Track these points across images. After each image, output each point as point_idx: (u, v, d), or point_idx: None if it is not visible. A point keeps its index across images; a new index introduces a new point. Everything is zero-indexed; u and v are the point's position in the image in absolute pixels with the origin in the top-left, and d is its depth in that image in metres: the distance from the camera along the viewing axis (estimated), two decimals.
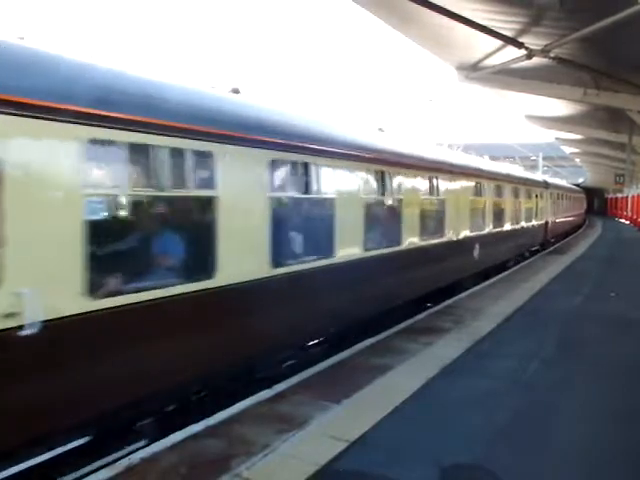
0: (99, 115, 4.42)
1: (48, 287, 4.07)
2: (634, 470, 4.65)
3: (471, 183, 13.55)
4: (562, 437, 5.20)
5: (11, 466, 4.35)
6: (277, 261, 6.44)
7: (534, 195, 21.73)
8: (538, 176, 27.67)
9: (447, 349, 7.95)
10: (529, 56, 12.53)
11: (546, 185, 25.45)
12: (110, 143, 4.62)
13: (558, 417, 5.70)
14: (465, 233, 12.94)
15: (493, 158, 25.47)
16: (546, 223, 24.56)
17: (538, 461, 4.71)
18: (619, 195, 58.78)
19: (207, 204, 5.54)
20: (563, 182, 42.57)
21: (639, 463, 4.78)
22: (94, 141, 4.42)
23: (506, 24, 11.57)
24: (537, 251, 23.24)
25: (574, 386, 6.67)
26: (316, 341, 8.04)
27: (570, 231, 35.67)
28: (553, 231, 27.07)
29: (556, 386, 6.59)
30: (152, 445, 4.79)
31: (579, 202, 46.04)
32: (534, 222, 21.84)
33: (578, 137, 30.34)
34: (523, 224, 19.55)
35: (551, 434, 5.22)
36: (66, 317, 4.17)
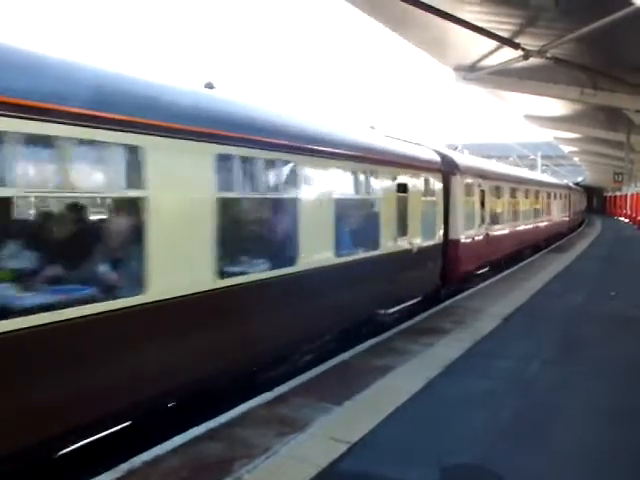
0: None
1: None
2: (634, 470, 4.66)
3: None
4: (563, 437, 5.21)
5: None
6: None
7: (398, 187, 9.87)
8: (423, 150, 12.16)
9: (448, 350, 7.96)
10: (526, 57, 12.56)
11: (453, 168, 12.91)
12: None
13: (559, 417, 5.71)
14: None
15: (492, 157, 22.59)
16: (449, 245, 12.46)
17: (539, 461, 4.71)
18: (618, 194, 58.84)
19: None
20: (536, 174, 32.29)
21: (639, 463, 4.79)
22: None
23: (502, 25, 11.62)
24: (427, 303, 11.27)
25: (574, 386, 6.68)
26: None
27: (543, 246, 24.52)
28: (475, 256, 14.32)
29: (556, 386, 6.60)
30: (154, 448, 4.79)
31: (569, 201, 33.52)
32: (399, 245, 9.88)
33: (576, 136, 30.36)
34: (345, 257, 8.02)
35: (552, 434, 5.23)
36: None
